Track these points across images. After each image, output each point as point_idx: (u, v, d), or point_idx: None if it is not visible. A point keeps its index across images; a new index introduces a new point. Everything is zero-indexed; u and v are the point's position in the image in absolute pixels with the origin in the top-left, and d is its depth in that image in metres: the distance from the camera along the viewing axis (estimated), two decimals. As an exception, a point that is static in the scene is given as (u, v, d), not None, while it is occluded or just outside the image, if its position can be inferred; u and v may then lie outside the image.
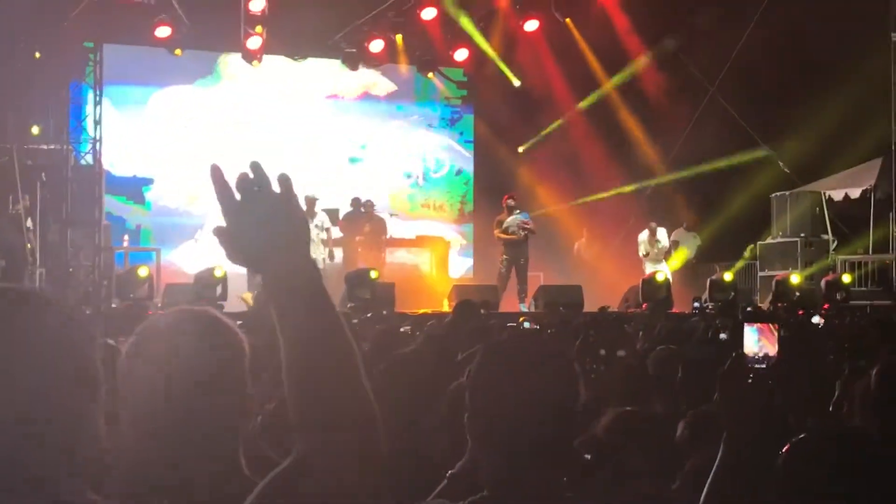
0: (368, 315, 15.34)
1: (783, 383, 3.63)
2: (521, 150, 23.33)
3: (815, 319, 11.21)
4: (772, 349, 3.25)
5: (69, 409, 1.76)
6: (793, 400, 4.46)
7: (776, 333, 3.26)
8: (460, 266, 22.75)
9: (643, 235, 20.38)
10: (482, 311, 12.72)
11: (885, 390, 3.58)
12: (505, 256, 19.27)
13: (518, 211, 19.32)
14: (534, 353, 2.65)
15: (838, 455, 2.75)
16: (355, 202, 20.10)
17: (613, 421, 4.04)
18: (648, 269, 19.96)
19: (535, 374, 2.55)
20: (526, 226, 19.16)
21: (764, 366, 3.19)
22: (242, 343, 2.55)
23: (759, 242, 20.57)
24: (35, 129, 17.86)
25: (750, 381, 3.11)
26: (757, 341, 3.28)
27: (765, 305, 17.01)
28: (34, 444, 1.71)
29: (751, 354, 3.20)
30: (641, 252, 20.39)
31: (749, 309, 15.10)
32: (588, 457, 3.21)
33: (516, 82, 22.24)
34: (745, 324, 3.27)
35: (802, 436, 2.80)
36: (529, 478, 2.49)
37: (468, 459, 3.15)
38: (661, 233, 20.41)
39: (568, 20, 20.74)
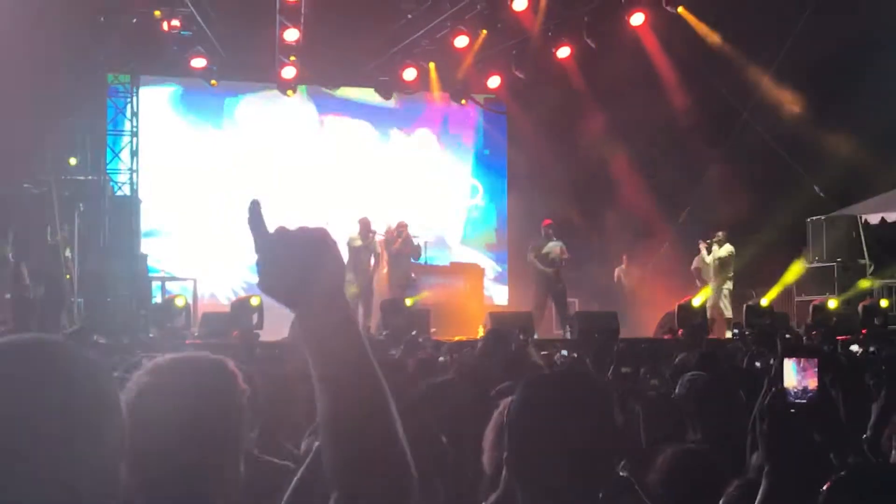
0: (403, 343, 15.35)
1: (823, 417, 3.61)
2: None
3: (854, 348, 11.08)
4: (812, 383, 3.23)
5: (97, 464, 1.77)
6: (833, 434, 4.43)
7: (816, 367, 3.24)
8: (495, 293, 22.73)
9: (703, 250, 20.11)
10: (521, 336, 12.72)
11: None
12: (537, 286, 19.20)
13: (555, 238, 19.26)
14: (574, 391, 2.66)
15: (879, 492, 2.74)
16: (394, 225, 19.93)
17: (671, 461, 3.98)
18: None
19: (575, 414, 2.56)
20: (564, 256, 19.10)
21: (804, 401, 3.17)
22: (234, 394, 2.56)
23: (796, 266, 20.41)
24: (73, 160, 18.06)
25: (792, 413, 3.09)
26: (797, 375, 3.26)
27: (802, 331, 16.87)
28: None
29: (790, 388, 3.18)
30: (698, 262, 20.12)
31: (788, 336, 14.97)
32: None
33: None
34: (786, 357, 3.25)
35: (843, 472, 2.79)
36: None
37: (502, 493, 3.16)
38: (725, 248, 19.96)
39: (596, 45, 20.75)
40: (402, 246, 19.21)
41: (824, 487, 2.73)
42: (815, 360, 3.25)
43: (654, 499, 3.15)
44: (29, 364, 1.76)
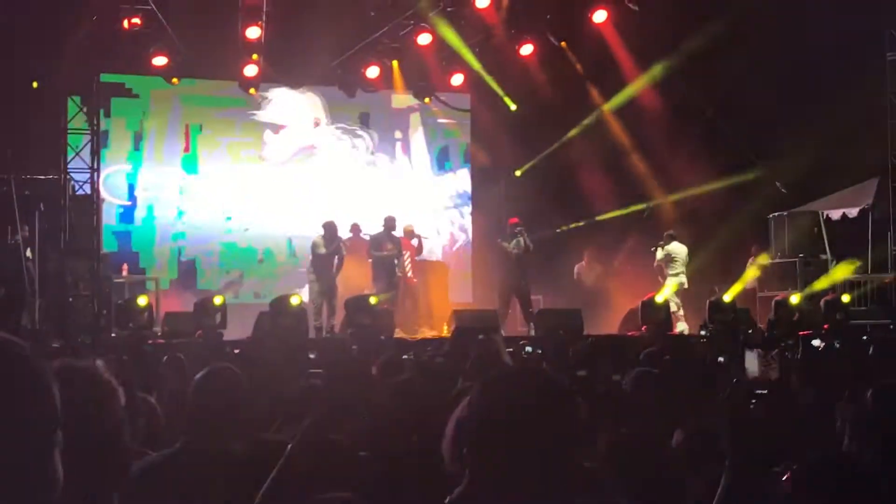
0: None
1: (784, 408, 3.61)
2: (518, 173, 23.33)
3: (816, 342, 11.17)
4: (773, 374, 3.24)
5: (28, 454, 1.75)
6: (794, 425, 4.44)
7: (777, 358, 3.25)
8: (459, 291, 22.70)
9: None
10: (480, 336, 12.71)
11: (880, 415, 3.55)
12: (502, 284, 19.24)
13: (521, 235, 19.25)
14: (532, 385, 2.64)
15: (837, 483, 2.74)
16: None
17: (609, 446, 4.02)
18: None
19: (534, 407, 2.54)
20: (527, 246, 19.10)
21: (766, 391, 3.18)
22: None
23: (758, 263, 20.53)
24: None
25: (752, 405, 3.10)
26: (758, 366, 3.27)
27: (764, 326, 16.97)
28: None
29: (752, 379, 3.19)
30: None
31: (750, 332, 15.06)
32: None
33: (513, 106, 22.30)
34: (747, 349, 3.26)
35: (803, 463, 2.80)
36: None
37: (466, 486, 3.15)
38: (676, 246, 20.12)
39: (563, 44, 20.79)
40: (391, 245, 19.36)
41: (784, 478, 2.74)
42: (777, 351, 3.26)
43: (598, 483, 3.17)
44: None
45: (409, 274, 20.14)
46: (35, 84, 18.16)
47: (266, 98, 21.93)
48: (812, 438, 4.70)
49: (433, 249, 22.72)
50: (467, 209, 23.87)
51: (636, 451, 3.97)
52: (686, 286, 19.73)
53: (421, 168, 23.69)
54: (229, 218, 21.68)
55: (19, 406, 1.74)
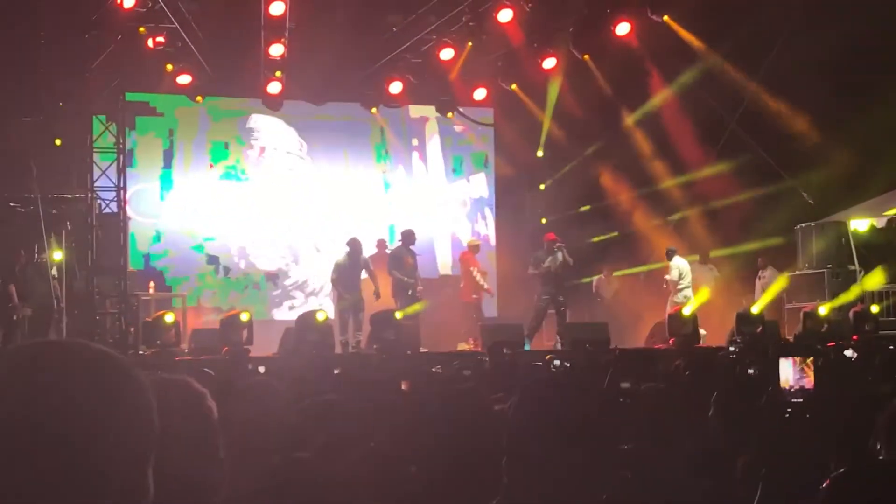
0: (383, 356, 15.37)
1: (821, 417, 3.57)
2: (542, 187, 23.32)
3: (848, 353, 11.07)
4: (808, 382, 3.20)
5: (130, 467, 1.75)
6: (832, 433, 4.40)
7: (812, 366, 3.21)
8: (484, 305, 22.67)
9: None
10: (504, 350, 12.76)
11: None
12: (545, 296, 19.11)
13: (557, 247, 19.18)
14: (567, 394, 2.63)
15: (878, 490, 2.70)
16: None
17: (656, 455, 3.99)
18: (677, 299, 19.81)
19: (569, 414, 2.53)
20: (568, 260, 19.09)
21: (801, 399, 3.14)
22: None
23: (786, 274, 20.44)
24: (58, 141, 18.00)
25: (788, 414, 3.06)
26: (793, 374, 3.23)
27: (792, 338, 16.88)
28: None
29: (787, 388, 3.15)
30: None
31: (783, 343, 14.98)
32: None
33: (540, 153, 22.47)
34: (781, 357, 3.23)
35: (842, 471, 2.76)
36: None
37: (503, 496, 3.14)
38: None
39: (586, 56, 20.77)
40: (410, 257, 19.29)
41: (823, 486, 2.70)
42: (811, 359, 3.22)
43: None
44: (70, 366, 1.74)
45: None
46: (61, 104, 18.26)
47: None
48: (849, 446, 4.65)
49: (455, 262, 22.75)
50: (490, 221, 23.84)
51: (675, 464, 3.95)
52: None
53: (438, 178, 23.74)
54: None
55: (121, 419, 1.73)
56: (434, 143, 23.71)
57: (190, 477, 2.45)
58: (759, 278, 21.00)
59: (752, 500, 2.91)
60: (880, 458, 3.53)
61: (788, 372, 2.93)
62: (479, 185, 23.89)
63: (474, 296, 20.25)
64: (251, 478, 4.26)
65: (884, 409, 3.64)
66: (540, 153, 23.01)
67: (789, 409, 3.02)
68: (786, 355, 2.95)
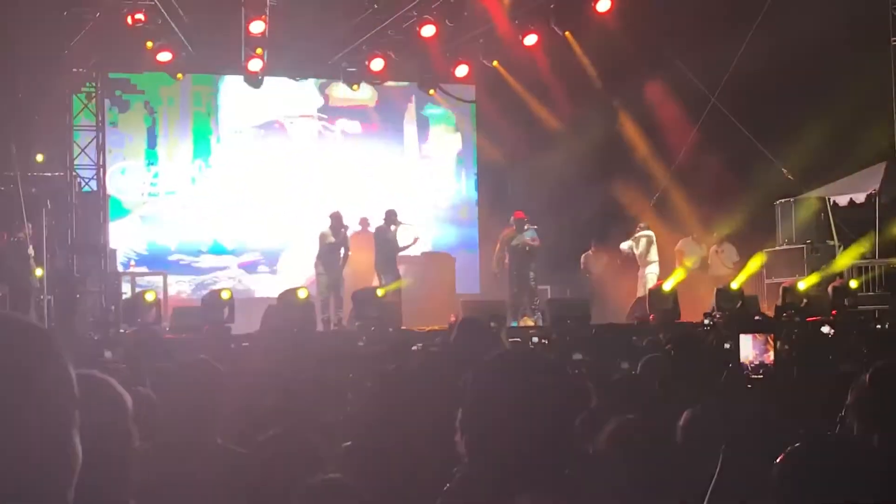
0: (372, 329, 15.43)
1: (783, 392, 3.62)
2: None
3: (825, 329, 11.12)
4: (768, 357, 3.25)
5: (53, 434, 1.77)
6: (796, 409, 4.45)
7: (773, 343, 3.26)
8: (467, 282, 22.72)
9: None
10: (492, 324, 12.76)
11: (876, 395, 3.56)
12: (513, 272, 19.40)
13: (527, 227, 19.44)
14: (527, 369, 2.66)
15: (832, 463, 2.75)
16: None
17: (614, 431, 4.05)
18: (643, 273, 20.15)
19: (530, 390, 2.56)
20: (532, 243, 19.35)
21: (761, 375, 3.19)
22: None
23: (765, 250, 20.54)
24: (39, 157, 17.95)
25: (748, 389, 3.11)
26: (753, 350, 3.27)
27: (771, 313, 16.96)
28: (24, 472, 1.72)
29: (747, 363, 3.20)
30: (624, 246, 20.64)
31: (757, 318, 15.05)
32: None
33: None
34: (741, 334, 3.28)
35: (797, 444, 2.80)
36: (524, 492, 2.50)
37: (465, 471, 3.18)
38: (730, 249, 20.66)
39: (567, 33, 20.74)
40: (395, 234, 19.36)
41: (777, 460, 2.74)
42: (771, 336, 3.27)
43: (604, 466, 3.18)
44: None
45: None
46: (39, 82, 18.19)
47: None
48: (816, 420, 4.71)
49: (436, 241, 22.82)
50: (473, 200, 23.89)
51: (639, 438, 4.00)
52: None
53: (414, 155, 23.79)
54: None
55: (41, 379, 1.75)
56: (411, 120, 23.74)
57: (100, 465, 2.45)
58: (718, 252, 21.08)
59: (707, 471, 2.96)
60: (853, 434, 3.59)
61: (748, 348, 2.98)
62: (453, 148, 24.00)
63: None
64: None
65: (849, 387, 3.70)
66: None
67: (749, 384, 3.05)
68: (749, 331, 2.99)
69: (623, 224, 21.85)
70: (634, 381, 5.67)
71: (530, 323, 18.57)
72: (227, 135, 22.24)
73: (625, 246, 20.85)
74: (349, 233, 19.22)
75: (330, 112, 23.13)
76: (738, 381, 2.96)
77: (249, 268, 22.03)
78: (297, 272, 20.89)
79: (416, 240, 19.73)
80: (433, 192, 23.64)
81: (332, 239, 18.66)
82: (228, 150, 22.21)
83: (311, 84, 22.70)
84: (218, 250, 21.77)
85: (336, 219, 18.82)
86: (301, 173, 22.48)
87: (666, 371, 5.66)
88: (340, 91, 22.39)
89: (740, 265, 20.34)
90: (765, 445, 2.93)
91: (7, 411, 1.71)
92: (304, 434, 4.34)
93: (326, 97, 23.01)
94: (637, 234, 20.75)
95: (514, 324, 18.26)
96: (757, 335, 3.11)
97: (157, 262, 20.97)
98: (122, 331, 16.10)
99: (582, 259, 21.55)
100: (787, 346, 4.82)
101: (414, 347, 11.73)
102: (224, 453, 4.41)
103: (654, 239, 20.60)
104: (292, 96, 22.61)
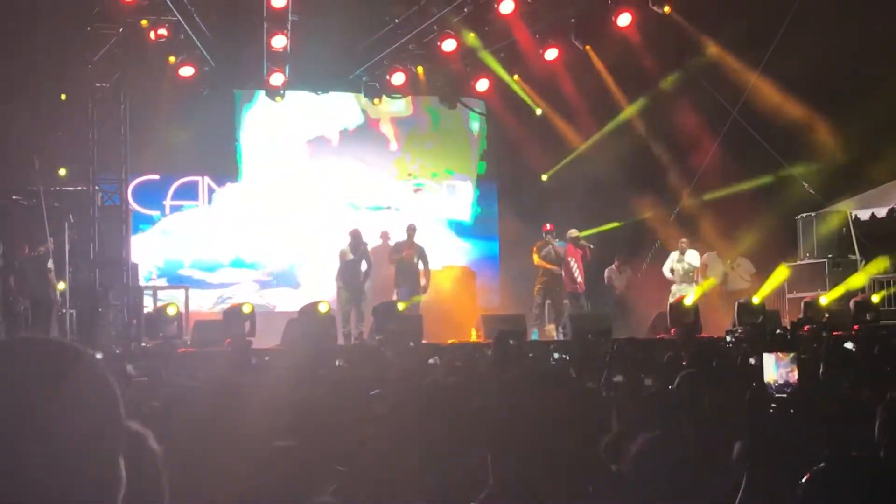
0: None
1: (808, 411, 3.61)
2: (544, 177, 23.31)
3: (849, 345, 11.04)
4: (793, 377, 3.24)
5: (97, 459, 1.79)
6: (821, 428, 4.43)
7: (797, 361, 3.25)
8: (487, 295, 22.72)
9: (673, 254, 20.55)
10: (511, 341, 12.75)
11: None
12: (540, 286, 19.52)
13: (556, 240, 19.60)
14: (547, 388, 2.67)
15: (857, 483, 2.75)
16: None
17: (642, 446, 4.04)
18: (674, 289, 20.05)
19: (552, 409, 2.57)
20: (560, 252, 19.52)
21: (785, 395, 3.19)
22: None
23: (786, 264, 20.46)
24: (62, 171, 18.05)
25: (773, 409, 3.10)
26: (777, 369, 3.27)
27: (790, 326, 16.91)
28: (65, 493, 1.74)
29: (771, 383, 3.20)
30: (666, 270, 20.52)
31: (778, 332, 15.00)
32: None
33: (538, 111, 22.30)
34: (765, 353, 3.27)
35: (822, 465, 2.80)
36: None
37: (490, 489, 3.18)
38: (691, 254, 20.50)
39: (588, 47, 20.77)
40: (410, 250, 19.49)
41: (803, 480, 2.74)
42: (797, 354, 3.26)
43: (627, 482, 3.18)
44: (30, 361, 1.78)
45: (580, 279, 20.10)
46: (63, 96, 18.30)
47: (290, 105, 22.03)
48: (841, 439, 4.69)
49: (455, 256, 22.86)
50: (494, 214, 23.89)
51: (664, 455, 3.99)
52: None
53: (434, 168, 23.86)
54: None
55: (89, 407, 1.78)
56: (434, 137, 23.80)
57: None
58: (735, 267, 20.99)
59: (735, 493, 2.95)
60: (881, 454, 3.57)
61: (772, 367, 2.97)
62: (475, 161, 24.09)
63: (575, 286, 20.21)
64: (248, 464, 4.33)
65: (873, 408, 3.68)
66: (545, 177, 23.14)
67: (773, 405, 3.05)
68: (773, 350, 2.98)
69: (646, 238, 21.82)
70: (665, 398, 5.66)
71: (553, 334, 18.60)
72: (248, 149, 22.28)
73: (677, 266, 20.64)
74: (369, 247, 19.31)
75: (354, 126, 23.12)
76: (762, 400, 2.96)
77: (271, 282, 22.06)
78: (319, 286, 20.91)
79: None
80: (455, 206, 23.62)
81: (350, 256, 18.79)
82: (250, 164, 22.25)
83: (335, 97, 22.65)
84: (239, 264, 21.82)
85: (355, 236, 18.99)
86: (322, 187, 22.49)
87: (694, 388, 5.64)
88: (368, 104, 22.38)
89: (758, 279, 20.27)
90: (790, 465, 2.93)
91: (54, 432, 1.73)
92: (309, 453, 4.34)
93: (362, 111, 22.93)
94: (688, 252, 20.56)
95: (534, 336, 18.33)
96: (780, 353, 3.10)
97: (178, 275, 21.05)
98: (143, 344, 16.17)
99: (606, 273, 21.52)
100: (811, 364, 4.82)
101: (431, 361, 11.76)
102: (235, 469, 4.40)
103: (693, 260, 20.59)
104: (315, 110, 22.61)
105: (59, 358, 1.81)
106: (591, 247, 20.08)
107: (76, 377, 1.80)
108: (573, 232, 20.10)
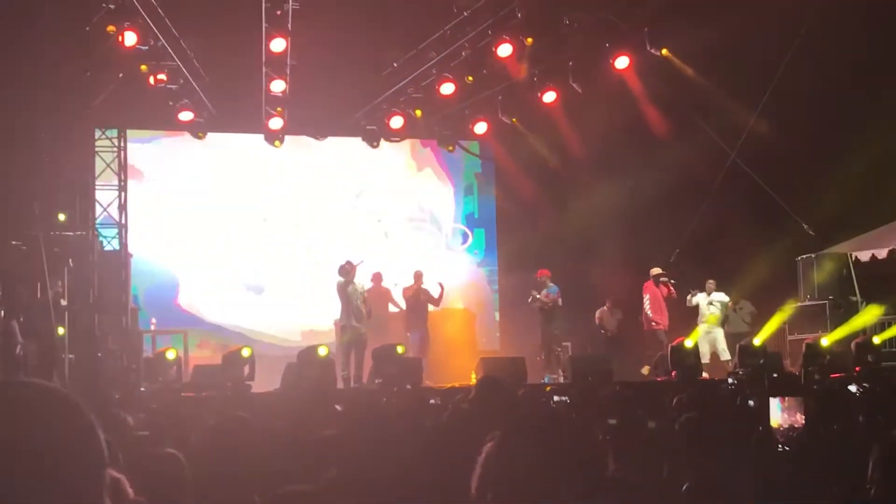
0: (395, 390, 15.39)
1: (813, 454, 3.57)
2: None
3: (852, 388, 10.98)
4: (798, 421, 3.20)
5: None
6: (826, 471, 4.39)
7: (803, 404, 3.22)
8: (487, 338, 22.68)
9: (700, 295, 20.52)
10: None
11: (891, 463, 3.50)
12: (540, 329, 19.77)
13: (550, 285, 19.94)
14: (551, 431, 2.64)
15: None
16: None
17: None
18: (701, 329, 20.02)
19: (552, 454, 2.54)
20: (547, 299, 19.63)
21: (792, 438, 3.15)
22: None
23: (788, 304, 20.42)
24: (61, 216, 18.04)
25: (780, 451, 3.07)
26: (783, 413, 3.23)
27: (795, 370, 16.83)
28: None
29: (777, 427, 3.16)
30: (693, 302, 20.53)
31: (775, 375, 14.94)
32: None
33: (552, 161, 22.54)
34: (770, 396, 3.24)
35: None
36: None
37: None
38: (718, 295, 20.53)
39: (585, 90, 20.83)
40: (419, 295, 19.69)
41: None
42: (801, 398, 3.23)
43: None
44: (14, 405, 1.81)
45: (650, 314, 20.15)
46: (62, 142, 18.33)
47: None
48: (844, 483, 4.64)
49: (456, 297, 22.82)
50: (493, 256, 23.89)
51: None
52: None
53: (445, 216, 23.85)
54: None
55: (71, 448, 1.80)
56: (434, 180, 23.86)
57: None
58: (737, 310, 20.99)
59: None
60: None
61: (778, 410, 2.93)
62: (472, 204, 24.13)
63: (653, 324, 20.19)
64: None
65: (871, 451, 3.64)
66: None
67: (780, 448, 3.01)
68: (778, 393, 2.95)
69: (640, 280, 21.79)
70: (667, 441, 5.62)
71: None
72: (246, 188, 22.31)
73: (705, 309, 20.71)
74: (364, 289, 19.16)
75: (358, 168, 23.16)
76: (768, 444, 2.92)
77: (271, 322, 21.94)
78: (320, 325, 20.91)
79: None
80: (453, 249, 23.62)
81: (347, 294, 18.53)
82: (249, 203, 22.26)
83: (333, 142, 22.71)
84: (240, 306, 21.78)
85: (345, 268, 18.56)
86: (324, 228, 22.49)
87: (695, 432, 5.59)
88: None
89: (759, 321, 20.23)
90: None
91: (41, 475, 1.74)
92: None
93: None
94: (715, 294, 20.62)
95: (546, 379, 18.46)
96: (786, 398, 3.07)
97: (178, 319, 20.99)
98: (142, 389, 16.08)
99: (597, 315, 21.38)
100: (816, 408, 4.77)
101: (432, 401, 11.70)
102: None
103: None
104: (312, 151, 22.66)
105: (43, 403, 1.83)
106: (674, 281, 20.12)
107: (59, 423, 1.81)
108: (655, 270, 20.26)
